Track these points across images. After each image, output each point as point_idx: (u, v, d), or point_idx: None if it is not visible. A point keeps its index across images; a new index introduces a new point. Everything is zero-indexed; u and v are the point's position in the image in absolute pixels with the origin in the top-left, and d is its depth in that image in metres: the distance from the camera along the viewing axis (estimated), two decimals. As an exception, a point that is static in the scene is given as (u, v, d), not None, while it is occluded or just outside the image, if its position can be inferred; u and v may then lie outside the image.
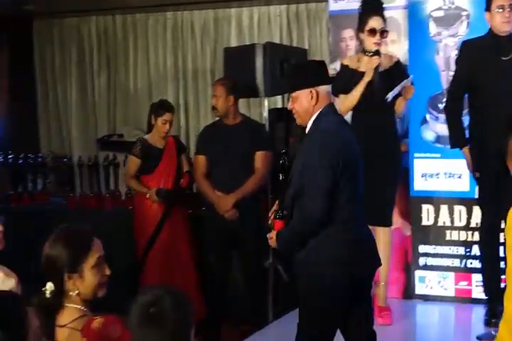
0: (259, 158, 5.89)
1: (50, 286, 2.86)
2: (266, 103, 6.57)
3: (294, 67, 4.35)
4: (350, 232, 3.90)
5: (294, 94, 3.98)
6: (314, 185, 3.79)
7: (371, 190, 5.38)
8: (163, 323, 2.32)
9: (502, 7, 5.17)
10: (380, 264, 4.16)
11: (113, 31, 9.73)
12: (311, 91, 3.91)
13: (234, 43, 8.87)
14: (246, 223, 5.84)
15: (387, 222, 5.55)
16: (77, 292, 2.87)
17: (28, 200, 7.65)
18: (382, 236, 5.50)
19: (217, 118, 6.12)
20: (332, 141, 3.84)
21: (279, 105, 8.40)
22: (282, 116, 7.26)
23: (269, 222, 4.01)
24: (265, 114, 6.56)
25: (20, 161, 7.90)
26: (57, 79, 10.04)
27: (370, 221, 5.46)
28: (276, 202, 4.04)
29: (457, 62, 5.42)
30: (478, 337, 3.08)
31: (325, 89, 3.95)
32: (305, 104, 3.94)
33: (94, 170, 7.85)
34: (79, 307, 2.87)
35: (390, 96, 5.25)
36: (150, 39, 9.51)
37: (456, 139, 5.35)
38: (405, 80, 5.30)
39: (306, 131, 3.99)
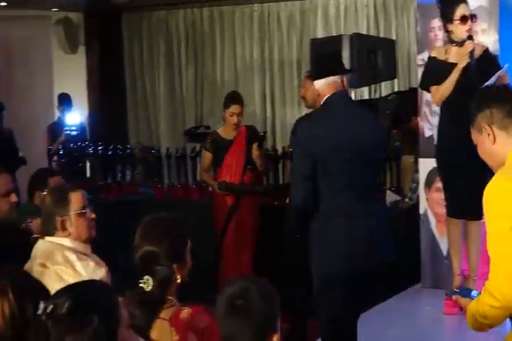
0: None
1: (147, 279, 2.87)
2: (353, 94, 6.52)
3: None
4: (348, 219, 3.94)
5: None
6: (294, 174, 4.02)
7: (461, 183, 5.28)
8: (251, 315, 2.32)
9: None
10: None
11: (200, 24, 9.80)
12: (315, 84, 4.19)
13: (320, 34, 8.82)
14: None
15: (477, 216, 5.44)
16: (180, 280, 2.91)
17: (116, 191, 7.76)
18: (473, 230, 5.39)
19: (311, 110, 6.06)
20: (313, 130, 3.98)
21: (366, 96, 8.32)
22: (369, 108, 7.17)
23: None
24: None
25: (110, 152, 8.02)
26: (145, 72, 10.17)
27: (460, 215, 5.39)
28: None
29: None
30: (447, 294, 3.02)
31: (325, 81, 4.14)
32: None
33: (182, 161, 7.92)
34: (170, 297, 2.89)
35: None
36: (237, 31, 9.54)
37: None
38: (501, 70, 5.17)
39: None
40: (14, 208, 4.29)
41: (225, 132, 6.52)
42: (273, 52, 9.37)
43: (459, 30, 5.26)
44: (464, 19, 5.22)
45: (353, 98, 6.48)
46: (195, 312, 2.81)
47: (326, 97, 4.10)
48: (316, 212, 3.94)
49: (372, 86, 7.23)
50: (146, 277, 2.87)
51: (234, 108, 6.40)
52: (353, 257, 3.93)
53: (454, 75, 5.20)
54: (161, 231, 2.91)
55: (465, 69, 5.18)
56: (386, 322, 5.07)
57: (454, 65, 5.24)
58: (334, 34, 8.44)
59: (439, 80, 5.27)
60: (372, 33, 8.67)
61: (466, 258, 5.48)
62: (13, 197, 4.25)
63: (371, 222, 4.03)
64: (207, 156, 6.57)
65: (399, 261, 4.22)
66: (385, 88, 8.50)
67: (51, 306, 2.09)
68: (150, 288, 2.86)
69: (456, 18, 5.24)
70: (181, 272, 2.91)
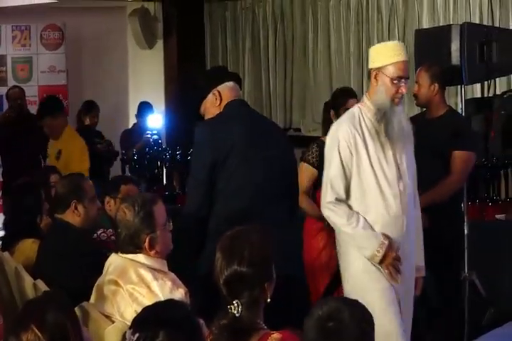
0: (456, 158, 5.67)
1: (237, 304, 2.85)
2: (462, 92, 6.42)
3: (191, 87, 5.00)
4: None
5: (202, 109, 4.46)
6: (192, 182, 4.31)
7: None
8: (343, 337, 2.30)
9: None
10: None
11: (290, 14, 9.80)
12: (213, 94, 4.40)
13: (426, 25, 8.74)
14: (439, 229, 5.67)
15: None
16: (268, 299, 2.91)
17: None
18: None
19: (424, 110, 5.94)
20: (208, 135, 4.24)
21: (478, 94, 8.18)
22: (481, 108, 7.05)
23: None
24: (461, 104, 6.42)
25: (189, 158, 8.06)
26: (229, 66, 10.21)
27: None
28: None
29: None
30: None
31: (226, 85, 4.42)
32: (212, 109, 4.41)
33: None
34: (257, 320, 2.88)
35: None
36: (331, 22, 9.50)
37: None
38: None
39: None
40: (99, 214, 4.67)
41: None
42: (372, 45, 9.28)
43: None
44: None
45: (462, 95, 6.43)
46: (284, 338, 2.79)
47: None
48: None
49: (486, 83, 7.09)
50: (235, 301, 2.84)
51: (351, 103, 5.42)
52: None
53: None
54: (252, 248, 2.89)
55: None
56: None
57: None
58: (442, 24, 8.33)
59: None
60: (486, 22, 8.53)
61: None
62: (98, 202, 4.57)
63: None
64: (310, 173, 5.52)
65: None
66: (500, 85, 8.34)
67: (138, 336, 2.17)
68: (240, 312, 2.84)
69: None
70: (270, 290, 2.89)
